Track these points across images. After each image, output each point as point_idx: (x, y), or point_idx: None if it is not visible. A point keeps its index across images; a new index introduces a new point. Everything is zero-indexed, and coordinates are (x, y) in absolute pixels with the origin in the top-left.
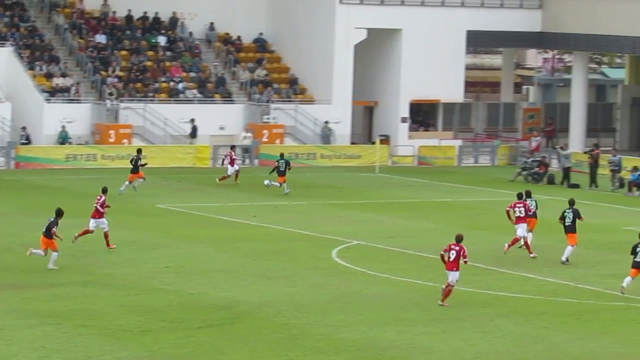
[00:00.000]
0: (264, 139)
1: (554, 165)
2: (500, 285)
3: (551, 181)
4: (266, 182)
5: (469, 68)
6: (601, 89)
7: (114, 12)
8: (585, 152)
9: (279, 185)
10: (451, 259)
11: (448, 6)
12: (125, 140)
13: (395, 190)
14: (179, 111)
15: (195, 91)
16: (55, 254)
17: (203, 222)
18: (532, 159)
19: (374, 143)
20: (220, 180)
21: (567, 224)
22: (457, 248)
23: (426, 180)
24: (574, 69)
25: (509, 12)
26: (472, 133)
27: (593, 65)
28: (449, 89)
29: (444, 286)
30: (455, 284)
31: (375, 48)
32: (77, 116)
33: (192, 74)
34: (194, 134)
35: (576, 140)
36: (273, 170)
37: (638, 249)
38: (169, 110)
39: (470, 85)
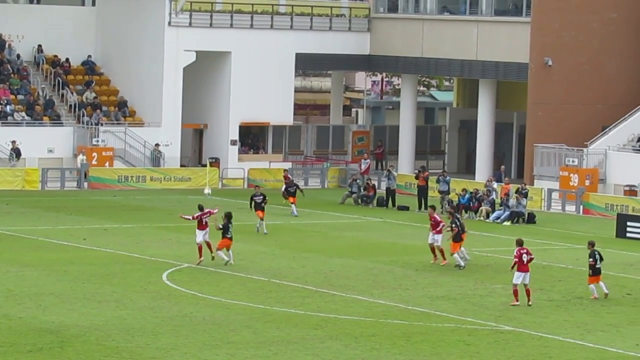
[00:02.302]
0: (94, 162)
1: (383, 188)
2: (331, 308)
3: (381, 203)
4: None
5: (298, 91)
6: (430, 111)
7: None
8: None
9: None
10: (525, 262)
11: (277, 29)
12: None
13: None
14: (6, 134)
15: (23, 114)
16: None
17: (33, 245)
18: (359, 179)
19: (204, 166)
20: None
21: (597, 265)
22: (525, 250)
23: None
24: (402, 92)
25: (337, 35)
26: (302, 155)
27: (422, 88)
28: (279, 111)
29: (516, 302)
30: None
31: (204, 70)
32: None
33: (20, 97)
34: (17, 155)
35: (405, 162)
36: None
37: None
38: None
39: (300, 108)
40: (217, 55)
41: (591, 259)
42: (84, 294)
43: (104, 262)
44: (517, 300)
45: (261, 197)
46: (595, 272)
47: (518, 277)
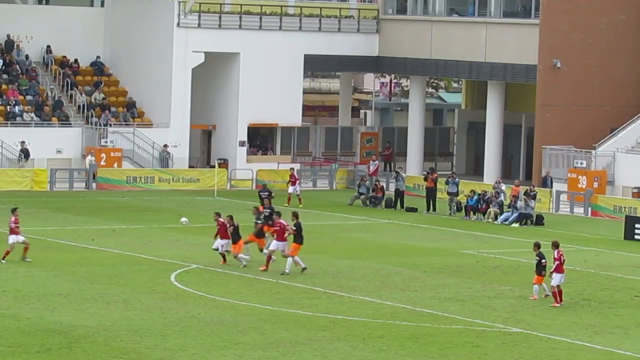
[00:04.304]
0: (102, 163)
1: (392, 189)
2: (339, 309)
3: (389, 205)
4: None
5: (306, 92)
6: (438, 113)
7: None
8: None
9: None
10: (562, 263)
11: (285, 30)
12: None
13: (234, 214)
14: (15, 134)
15: (32, 114)
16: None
17: (41, 245)
18: (367, 181)
19: (212, 167)
20: (288, 203)
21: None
22: (562, 252)
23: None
24: (411, 94)
25: (346, 37)
26: (310, 157)
27: (430, 90)
28: (287, 112)
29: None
30: None
31: (213, 72)
32: None
33: (28, 97)
34: (26, 156)
35: (414, 164)
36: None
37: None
38: (5, 133)
39: (308, 109)
40: (225, 57)
41: (544, 260)
42: (92, 294)
43: (112, 263)
44: (559, 302)
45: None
46: (544, 273)
47: (558, 279)
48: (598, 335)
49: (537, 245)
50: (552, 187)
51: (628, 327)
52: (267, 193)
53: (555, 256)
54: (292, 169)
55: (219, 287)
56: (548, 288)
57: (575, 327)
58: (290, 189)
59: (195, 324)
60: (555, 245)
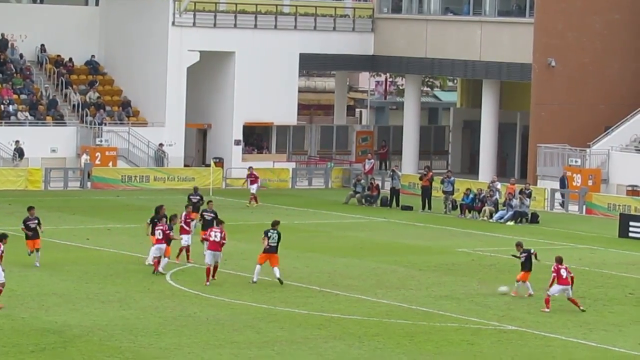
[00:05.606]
0: (97, 162)
1: (388, 188)
2: (335, 307)
3: (385, 203)
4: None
5: (302, 91)
6: (434, 111)
7: None
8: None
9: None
10: (564, 277)
11: (281, 29)
12: None
13: (229, 213)
14: (9, 134)
15: (26, 113)
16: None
17: None
18: (362, 179)
19: (208, 166)
20: (250, 202)
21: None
22: (565, 267)
23: (260, 202)
24: (406, 92)
25: (341, 36)
26: (306, 155)
27: (425, 89)
28: (283, 111)
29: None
30: None
31: (208, 70)
32: None
33: (23, 96)
34: (20, 155)
35: (409, 162)
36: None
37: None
38: None
39: (304, 108)
40: (221, 55)
41: (532, 251)
42: (87, 294)
43: (107, 262)
44: (548, 308)
45: (197, 196)
46: (530, 269)
47: (557, 290)
48: (592, 333)
49: (520, 245)
50: (568, 187)
51: (622, 325)
52: (198, 197)
53: (553, 269)
54: (251, 167)
55: (214, 286)
56: (532, 287)
57: (569, 324)
58: (253, 189)
59: (190, 323)
60: (558, 261)
